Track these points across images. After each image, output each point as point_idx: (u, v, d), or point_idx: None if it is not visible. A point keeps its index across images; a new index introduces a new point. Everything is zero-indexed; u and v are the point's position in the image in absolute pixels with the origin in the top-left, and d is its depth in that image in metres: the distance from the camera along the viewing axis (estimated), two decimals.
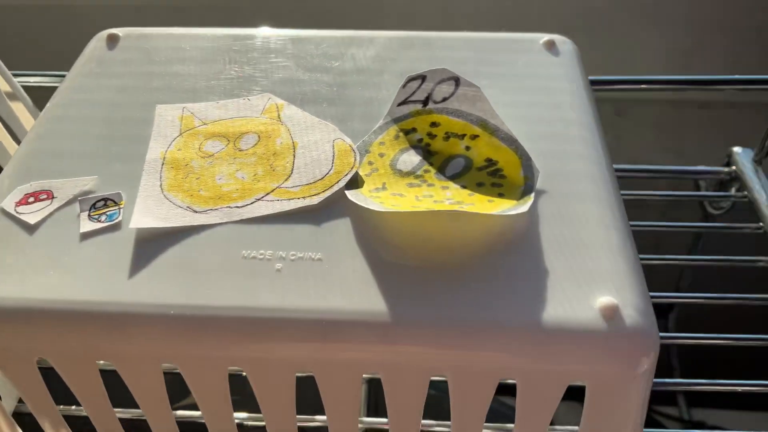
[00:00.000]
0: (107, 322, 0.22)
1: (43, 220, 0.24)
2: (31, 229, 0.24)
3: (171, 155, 0.27)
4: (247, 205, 0.25)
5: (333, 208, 0.24)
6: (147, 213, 0.24)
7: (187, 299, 0.22)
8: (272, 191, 0.25)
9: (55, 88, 0.32)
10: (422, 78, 0.28)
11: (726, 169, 0.42)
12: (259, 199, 0.25)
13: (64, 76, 0.33)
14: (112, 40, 0.33)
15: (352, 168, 0.26)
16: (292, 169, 0.26)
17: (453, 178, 0.26)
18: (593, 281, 0.22)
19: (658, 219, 0.41)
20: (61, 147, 0.27)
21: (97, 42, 0.33)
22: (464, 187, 0.25)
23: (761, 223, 0.38)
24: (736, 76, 0.41)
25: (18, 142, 0.36)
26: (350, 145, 0.27)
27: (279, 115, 0.29)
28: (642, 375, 0.21)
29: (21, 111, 0.37)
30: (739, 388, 0.33)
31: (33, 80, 0.43)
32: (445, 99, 0.27)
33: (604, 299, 0.21)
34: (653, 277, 0.26)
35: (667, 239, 0.48)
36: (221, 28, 0.34)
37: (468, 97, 0.27)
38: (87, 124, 0.28)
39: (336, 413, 0.23)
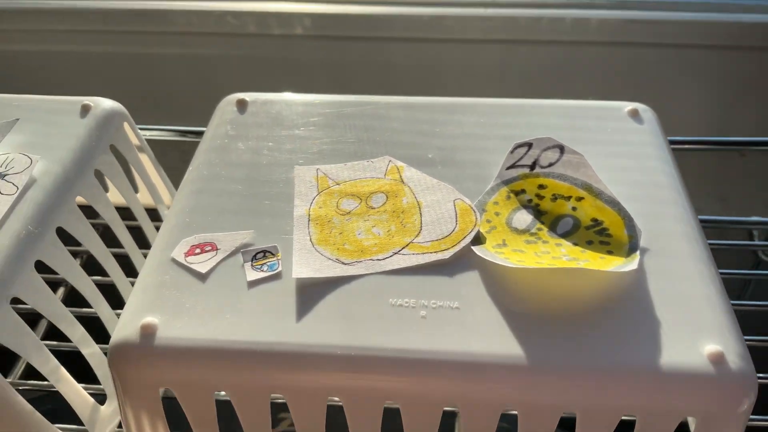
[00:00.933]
0: (281, 359, 0.25)
1: (212, 269, 0.28)
2: (202, 277, 0.28)
3: (314, 212, 0.31)
4: (386, 258, 0.28)
5: (462, 261, 0.28)
6: (304, 264, 0.28)
7: (348, 341, 0.25)
8: (407, 246, 0.29)
9: (166, 141, 0.36)
10: (529, 145, 0.32)
11: None
12: (396, 253, 0.29)
13: (175, 130, 0.37)
14: (242, 105, 0.37)
15: (475, 226, 0.29)
16: (421, 226, 0.30)
17: (564, 236, 0.29)
18: (699, 330, 0.25)
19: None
20: (215, 204, 0.31)
21: (227, 106, 0.37)
22: (576, 244, 0.29)
23: None
24: None
25: (136, 189, 0.40)
26: (470, 205, 0.30)
27: (401, 176, 0.32)
28: (744, 412, 0.25)
29: (147, 162, 0.41)
30: None
31: (149, 134, 0.47)
32: (551, 164, 0.31)
33: (711, 347, 0.25)
34: None
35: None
36: (336, 95, 0.38)
37: (573, 163, 0.31)
38: (234, 182, 0.32)
39: None
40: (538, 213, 0.30)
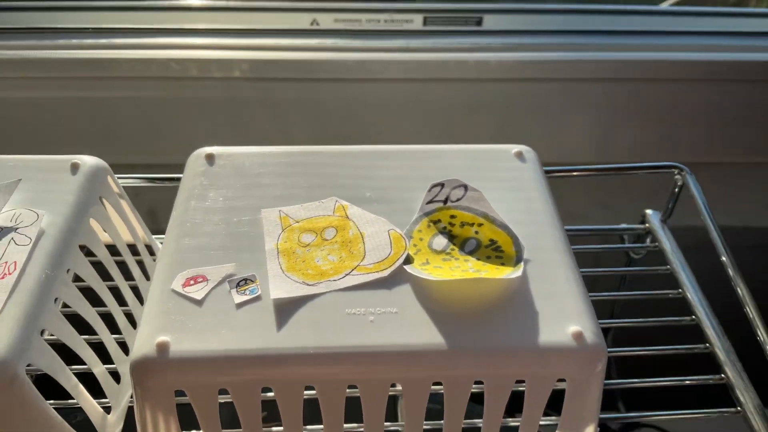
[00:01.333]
0: (267, 360, 0.34)
1: (206, 296, 0.37)
2: (199, 303, 0.36)
3: (281, 246, 0.39)
4: (341, 278, 0.38)
5: (397, 278, 0.38)
6: (278, 288, 0.37)
7: (317, 342, 0.34)
8: (355, 268, 0.38)
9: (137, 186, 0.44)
10: (441, 185, 0.42)
11: (642, 226, 0.58)
12: (347, 274, 0.38)
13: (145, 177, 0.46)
14: (210, 159, 0.45)
15: (405, 250, 0.39)
16: (365, 252, 0.39)
17: (470, 253, 0.39)
18: (565, 316, 0.36)
19: (593, 266, 0.56)
20: (200, 243, 0.39)
21: (197, 159, 0.45)
22: (478, 259, 0.39)
23: (668, 266, 0.54)
24: (641, 164, 0.57)
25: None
26: (400, 234, 0.40)
27: (346, 213, 0.42)
28: (599, 373, 0.35)
29: (125, 205, 0.48)
30: (660, 384, 0.47)
31: (123, 182, 0.54)
32: (458, 199, 0.41)
33: (573, 328, 0.35)
34: (595, 308, 0.40)
35: (602, 280, 0.64)
36: (286, 147, 0.47)
37: (474, 198, 0.41)
38: (213, 225, 0.41)
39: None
40: (451, 237, 0.40)
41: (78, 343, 0.39)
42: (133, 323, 0.46)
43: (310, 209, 0.42)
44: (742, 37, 0.75)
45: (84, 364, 0.40)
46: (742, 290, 0.48)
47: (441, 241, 0.40)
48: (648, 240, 0.59)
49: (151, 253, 0.51)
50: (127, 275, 0.47)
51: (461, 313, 0.36)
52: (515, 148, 0.47)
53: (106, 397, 0.41)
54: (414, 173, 0.45)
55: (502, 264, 0.38)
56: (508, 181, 0.44)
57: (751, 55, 0.74)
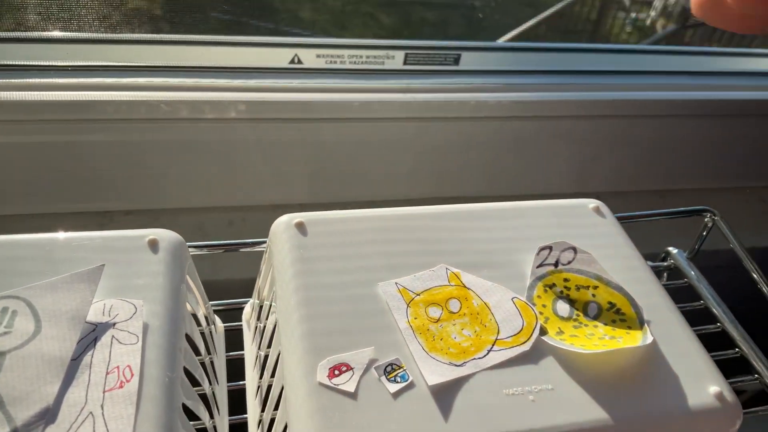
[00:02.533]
0: None
1: (357, 386, 0.34)
2: (353, 395, 0.34)
3: (414, 323, 0.38)
4: (485, 356, 0.37)
5: (537, 350, 0.37)
6: (431, 372, 0.35)
7: (491, 430, 0.33)
8: (494, 342, 0.37)
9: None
10: (549, 248, 0.42)
11: (665, 264, 0.61)
12: (489, 351, 0.37)
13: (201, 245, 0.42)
14: (301, 227, 0.42)
15: (537, 319, 0.39)
16: (498, 324, 0.38)
17: (595, 318, 0.40)
18: (701, 376, 0.37)
19: None
20: (327, 326, 0.37)
21: (287, 229, 0.42)
22: (606, 324, 0.39)
23: (701, 301, 0.58)
24: (676, 209, 0.60)
25: None
26: (525, 302, 0.40)
27: (461, 281, 0.41)
28: (736, 430, 0.37)
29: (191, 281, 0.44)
30: None
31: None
32: (569, 262, 0.42)
33: (713, 388, 0.37)
34: None
35: None
36: (370, 210, 0.45)
37: (585, 260, 0.42)
38: (331, 304, 0.38)
39: None
40: (571, 301, 0.41)
41: None
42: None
43: (425, 279, 0.41)
44: (720, 77, 0.82)
45: None
46: None
47: (564, 307, 0.40)
48: (665, 276, 0.63)
49: (207, 322, 0.47)
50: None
51: (610, 382, 0.36)
52: (591, 203, 0.48)
53: None
54: (508, 234, 0.45)
55: (629, 327, 0.39)
56: (596, 238, 0.46)
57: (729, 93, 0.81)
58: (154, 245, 0.40)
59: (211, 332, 0.46)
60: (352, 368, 0.35)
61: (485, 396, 0.35)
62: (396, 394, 0.34)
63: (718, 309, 0.57)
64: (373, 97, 0.73)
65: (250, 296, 0.53)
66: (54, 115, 0.66)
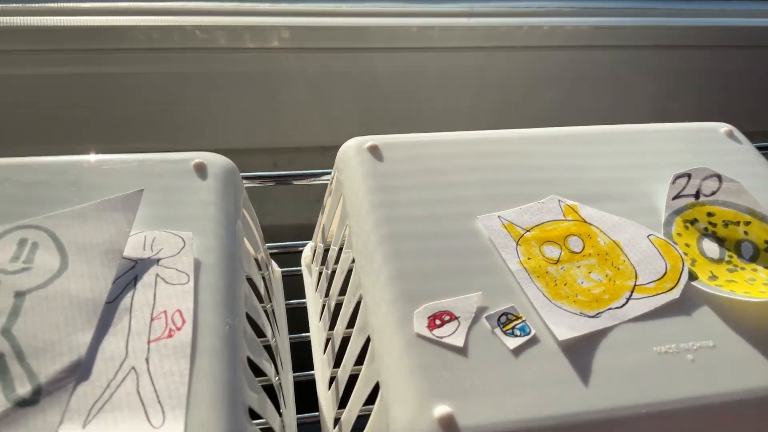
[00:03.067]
0: (592, 429, 0.25)
1: (466, 340, 0.27)
2: (461, 351, 0.26)
3: (528, 264, 0.30)
4: (623, 305, 0.29)
5: (686, 298, 0.29)
6: (559, 324, 0.28)
7: (648, 398, 0.26)
8: (633, 289, 0.30)
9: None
10: (688, 175, 0.34)
11: None
12: (629, 299, 0.29)
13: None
14: (375, 152, 0.35)
15: (683, 261, 0.31)
16: (634, 267, 0.31)
17: (751, 260, 0.32)
18: None
19: None
20: (419, 267, 0.29)
21: (359, 154, 0.35)
22: (766, 267, 0.31)
23: None
24: None
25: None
26: (665, 240, 0.32)
27: (580, 215, 0.33)
28: None
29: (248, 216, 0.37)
30: None
31: None
32: (713, 192, 0.34)
33: None
34: None
35: None
36: (463, 132, 0.37)
37: (733, 191, 0.33)
38: (422, 240, 0.30)
39: None
40: (719, 240, 0.33)
41: (272, 417, 0.28)
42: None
43: (534, 213, 0.33)
44: None
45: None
46: None
47: (712, 247, 0.32)
48: None
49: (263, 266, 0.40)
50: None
51: None
52: (722, 126, 0.40)
53: None
54: (628, 160, 0.37)
55: None
56: (733, 166, 0.37)
57: None
58: (201, 170, 0.32)
59: (269, 277, 0.39)
60: (456, 317, 0.28)
61: (631, 354, 0.27)
62: (517, 351, 0.27)
63: None
64: (433, 22, 0.65)
65: (307, 240, 0.45)
66: (78, 44, 0.58)
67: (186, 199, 0.31)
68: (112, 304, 0.26)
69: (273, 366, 0.31)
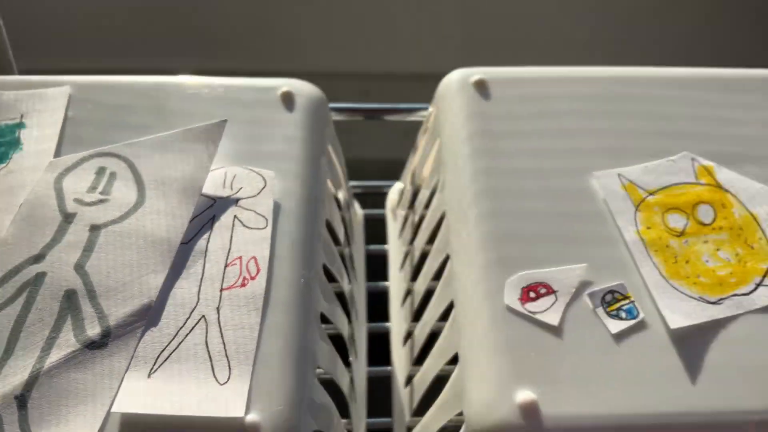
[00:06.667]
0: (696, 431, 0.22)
1: (562, 319, 0.24)
2: (555, 330, 0.24)
3: (646, 235, 0.26)
4: (752, 292, 0.25)
5: None
6: (672, 309, 0.24)
7: (763, 403, 0.22)
8: (766, 274, 0.25)
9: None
10: None
11: None
12: (759, 284, 0.25)
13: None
14: (482, 87, 0.31)
15: None
16: None
17: None
18: None
19: None
20: (519, 229, 0.26)
21: (462, 89, 0.31)
22: None
23: None
24: None
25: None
26: None
27: (715, 179, 0.28)
28: None
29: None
30: None
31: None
32: None
33: None
34: None
35: None
36: (586, 68, 0.32)
37: None
38: (525, 198, 0.27)
39: None
40: None
41: (341, 375, 0.27)
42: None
43: (660, 173, 0.28)
44: None
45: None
46: None
47: None
48: None
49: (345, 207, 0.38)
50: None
51: None
52: None
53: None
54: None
55: None
56: None
57: None
58: (288, 100, 0.30)
59: (350, 219, 0.37)
60: (554, 291, 0.25)
61: (755, 351, 0.23)
62: (619, 336, 0.23)
63: None
64: None
65: (394, 180, 0.43)
66: None
67: (271, 133, 0.29)
68: (187, 245, 0.25)
69: (346, 316, 0.30)
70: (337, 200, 0.34)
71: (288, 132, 0.29)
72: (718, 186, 0.28)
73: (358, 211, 0.40)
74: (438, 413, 0.26)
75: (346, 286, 0.31)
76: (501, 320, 0.24)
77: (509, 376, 0.22)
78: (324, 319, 0.26)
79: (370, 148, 0.61)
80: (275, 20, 0.61)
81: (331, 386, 0.26)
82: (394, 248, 0.38)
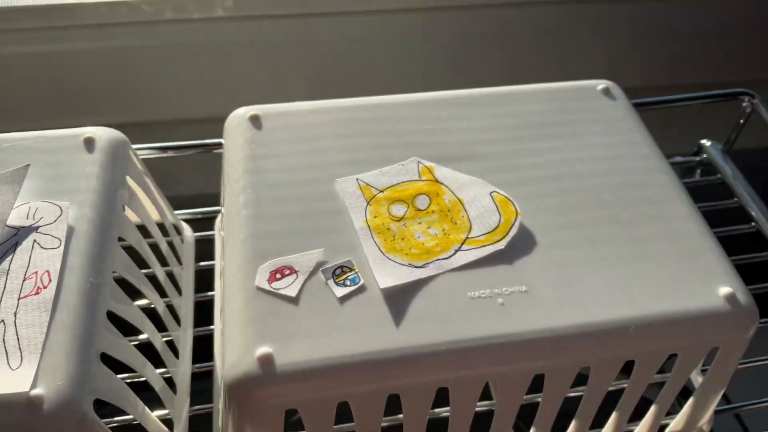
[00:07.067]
0: (394, 364, 0.28)
1: (300, 291, 0.30)
2: (294, 300, 0.30)
3: (372, 222, 0.33)
4: (451, 256, 0.32)
5: (515, 248, 0.32)
6: (385, 274, 0.31)
7: (447, 337, 0.29)
8: (464, 242, 0.33)
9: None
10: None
11: (698, 158, 0.54)
12: (457, 250, 0.32)
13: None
14: (256, 121, 0.38)
15: (517, 215, 0.33)
16: (470, 221, 0.33)
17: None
18: (711, 277, 0.32)
19: None
20: (275, 228, 0.33)
21: (241, 123, 0.38)
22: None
23: (736, 199, 0.51)
24: (708, 93, 0.53)
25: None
26: (505, 196, 0.34)
27: (434, 176, 0.36)
28: (751, 336, 0.32)
29: (150, 184, 0.40)
30: None
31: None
32: None
33: (724, 289, 0.31)
34: None
35: None
36: (339, 100, 0.40)
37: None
38: (282, 204, 0.34)
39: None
40: None
41: (138, 361, 0.32)
42: (173, 315, 0.40)
43: (392, 175, 0.36)
44: None
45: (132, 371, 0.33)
46: None
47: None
48: (698, 173, 0.55)
49: (177, 232, 0.44)
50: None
51: (598, 283, 0.31)
52: (600, 84, 0.42)
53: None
54: (497, 122, 0.39)
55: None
56: (601, 123, 0.39)
57: None
58: (90, 144, 0.36)
59: (178, 242, 0.42)
60: (296, 272, 0.31)
61: (445, 300, 0.30)
62: (343, 299, 0.30)
63: (753, 207, 0.50)
64: None
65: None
66: (27, 23, 0.62)
67: (73, 172, 0.35)
68: None
69: (171, 324, 0.35)
70: (161, 225, 0.40)
71: (87, 170, 0.35)
72: (435, 180, 0.35)
73: (188, 234, 0.46)
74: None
75: (155, 298, 0.37)
76: (252, 298, 0.30)
77: (253, 338, 0.29)
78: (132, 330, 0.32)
79: (210, 181, 0.67)
80: (133, 75, 0.67)
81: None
82: (217, 262, 0.44)
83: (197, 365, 0.40)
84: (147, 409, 0.32)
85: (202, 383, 0.40)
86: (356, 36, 0.68)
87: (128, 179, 0.36)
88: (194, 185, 0.64)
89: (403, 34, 0.70)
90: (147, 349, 0.35)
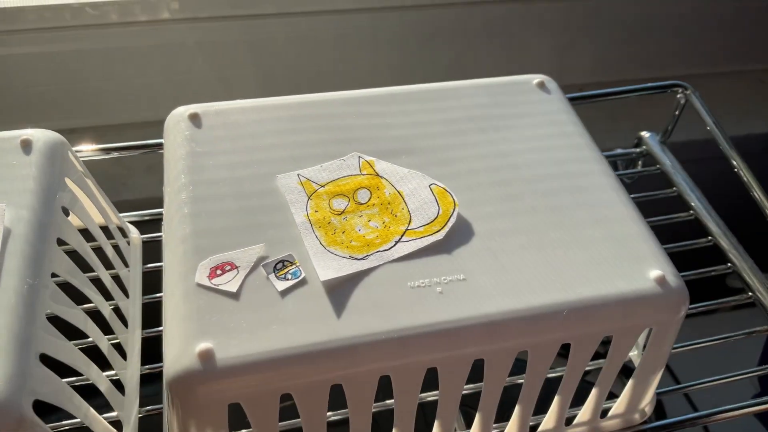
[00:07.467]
0: (336, 355, 0.29)
1: (241, 286, 0.30)
2: (234, 296, 0.30)
3: (313, 217, 0.33)
4: (391, 248, 0.33)
5: (453, 238, 0.33)
6: (325, 267, 0.31)
7: (388, 326, 0.29)
8: (404, 233, 0.33)
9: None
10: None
11: (638, 150, 0.56)
12: (397, 242, 0.33)
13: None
14: (195, 119, 0.38)
15: (455, 206, 0.34)
16: (410, 213, 0.34)
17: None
18: (641, 260, 0.33)
19: None
20: (215, 225, 0.33)
21: (180, 122, 0.38)
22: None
23: (674, 188, 0.52)
24: (643, 85, 0.54)
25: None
26: (443, 188, 0.35)
27: (374, 170, 0.36)
28: (682, 317, 0.33)
29: (92, 186, 0.40)
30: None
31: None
32: None
33: (654, 272, 0.32)
34: None
35: None
36: (280, 98, 0.40)
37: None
38: (222, 201, 0.34)
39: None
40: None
41: (81, 362, 0.32)
42: (121, 318, 0.39)
43: (333, 170, 0.36)
44: None
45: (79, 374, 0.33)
46: (759, 195, 0.48)
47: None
48: (640, 163, 0.57)
49: (123, 235, 0.44)
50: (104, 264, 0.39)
51: (533, 270, 0.32)
52: (535, 78, 0.43)
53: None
54: (436, 116, 0.40)
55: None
56: (536, 116, 0.40)
57: None
58: (27, 146, 0.36)
59: (124, 245, 0.42)
60: (237, 267, 0.31)
61: (386, 291, 0.31)
62: (284, 293, 0.30)
63: (691, 196, 0.52)
64: None
65: None
66: None
67: (8, 174, 0.34)
68: None
69: (117, 326, 0.35)
70: (105, 228, 0.40)
71: (23, 172, 0.34)
72: (376, 174, 0.36)
73: (135, 236, 0.46)
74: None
75: (98, 300, 0.36)
76: (192, 294, 0.30)
77: (193, 334, 0.29)
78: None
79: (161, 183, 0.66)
80: (80, 79, 0.67)
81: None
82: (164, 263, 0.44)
83: (148, 366, 0.40)
84: (92, 410, 0.32)
85: (156, 386, 0.40)
86: (303, 36, 0.69)
87: (68, 181, 0.36)
88: (144, 188, 0.64)
89: (351, 34, 0.70)
90: (96, 353, 0.35)
